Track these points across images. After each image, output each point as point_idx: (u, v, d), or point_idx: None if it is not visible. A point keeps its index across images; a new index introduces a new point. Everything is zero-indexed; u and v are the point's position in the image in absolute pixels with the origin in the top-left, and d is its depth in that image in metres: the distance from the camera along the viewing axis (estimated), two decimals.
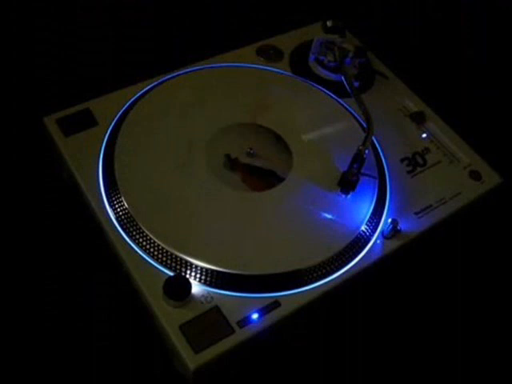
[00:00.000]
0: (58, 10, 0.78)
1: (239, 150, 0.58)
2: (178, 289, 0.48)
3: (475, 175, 0.62)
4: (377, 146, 0.62)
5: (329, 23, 0.68)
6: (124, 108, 0.60)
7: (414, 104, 0.68)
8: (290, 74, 0.68)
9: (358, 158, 0.55)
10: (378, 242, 0.55)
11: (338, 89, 0.66)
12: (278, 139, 0.61)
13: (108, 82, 0.67)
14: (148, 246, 0.51)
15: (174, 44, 0.78)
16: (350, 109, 0.65)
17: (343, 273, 0.52)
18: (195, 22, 0.82)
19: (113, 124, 0.59)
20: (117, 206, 0.53)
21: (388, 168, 0.61)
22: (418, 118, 0.66)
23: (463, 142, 0.65)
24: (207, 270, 0.50)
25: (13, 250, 0.57)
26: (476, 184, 0.62)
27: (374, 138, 0.62)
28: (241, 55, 0.68)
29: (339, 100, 0.66)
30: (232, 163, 0.58)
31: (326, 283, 0.51)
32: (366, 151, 0.55)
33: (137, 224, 0.52)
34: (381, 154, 0.62)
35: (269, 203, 0.55)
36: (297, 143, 0.60)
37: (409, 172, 0.61)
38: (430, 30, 0.88)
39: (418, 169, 0.62)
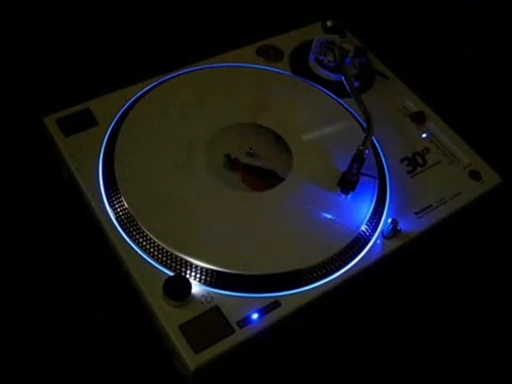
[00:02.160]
0: (58, 10, 0.78)
1: (239, 149, 0.58)
2: (178, 289, 0.48)
3: (475, 175, 0.62)
4: (377, 145, 0.62)
5: (329, 23, 0.68)
6: (124, 108, 0.60)
7: (414, 104, 0.68)
8: (290, 74, 0.68)
9: (358, 158, 0.55)
10: (378, 242, 0.55)
11: (338, 89, 0.66)
12: (278, 139, 0.61)
13: (108, 82, 0.67)
14: (148, 246, 0.51)
15: (174, 44, 0.78)
16: (350, 109, 0.65)
17: (343, 273, 0.52)
18: (195, 22, 0.82)
19: (113, 124, 0.59)
20: (117, 206, 0.53)
21: (388, 168, 0.61)
22: (418, 118, 0.66)
23: (463, 142, 0.65)
24: (207, 269, 0.50)
25: (13, 249, 0.57)
26: (476, 184, 0.62)
27: (374, 138, 0.62)
28: (241, 55, 0.68)
29: (339, 100, 0.66)
30: (232, 163, 0.58)
31: (326, 283, 0.51)
32: (366, 151, 0.55)
33: (137, 224, 0.52)
34: (381, 154, 0.62)
35: (269, 203, 0.55)
36: (297, 143, 0.60)
37: (409, 172, 0.61)
38: (430, 30, 0.88)
39: (418, 169, 0.62)
